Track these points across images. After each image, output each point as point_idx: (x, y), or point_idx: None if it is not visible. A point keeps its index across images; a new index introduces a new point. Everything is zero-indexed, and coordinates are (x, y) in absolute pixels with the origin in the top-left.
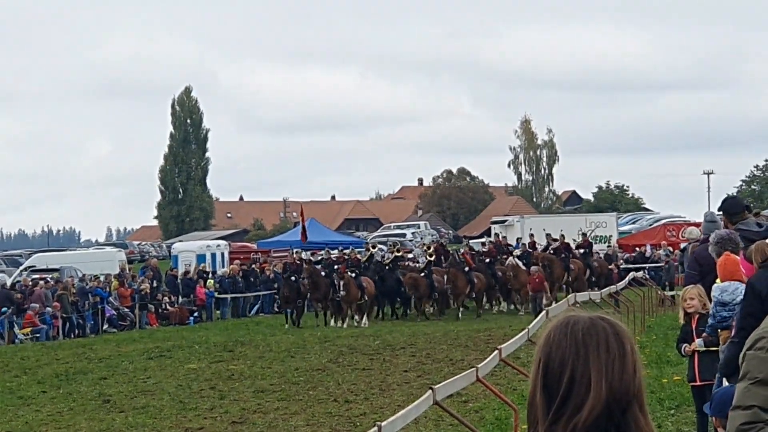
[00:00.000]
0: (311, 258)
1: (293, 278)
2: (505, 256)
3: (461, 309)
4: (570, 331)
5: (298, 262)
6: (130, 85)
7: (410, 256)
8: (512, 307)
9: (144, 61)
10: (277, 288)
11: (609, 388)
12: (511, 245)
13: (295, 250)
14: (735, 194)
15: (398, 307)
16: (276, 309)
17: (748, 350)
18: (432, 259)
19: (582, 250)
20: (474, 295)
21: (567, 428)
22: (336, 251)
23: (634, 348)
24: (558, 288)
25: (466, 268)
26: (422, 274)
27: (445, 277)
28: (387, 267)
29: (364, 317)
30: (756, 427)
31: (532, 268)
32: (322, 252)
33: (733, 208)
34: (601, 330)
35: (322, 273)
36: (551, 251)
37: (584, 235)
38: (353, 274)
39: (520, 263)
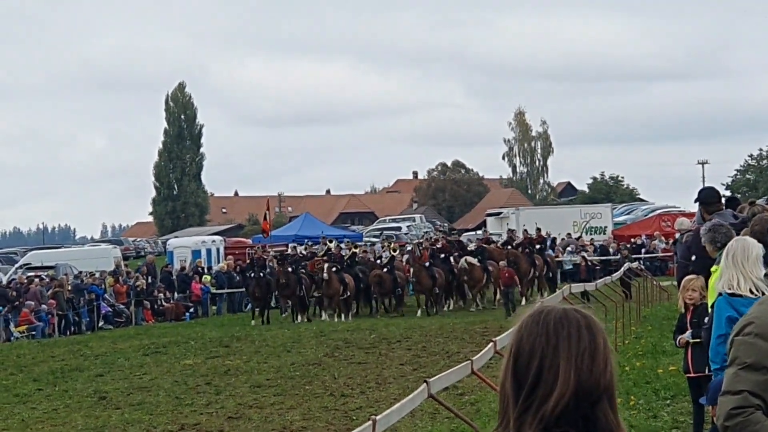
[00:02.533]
0: (289, 252)
1: (261, 274)
2: (456, 254)
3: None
4: (542, 319)
5: (264, 257)
6: (123, 80)
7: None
8: (462, 303)
9: (136, 54)
10: (246, 284)
11: (578, 380)
12: (464, 242)
13: (265, 245)
14: (711, 185)
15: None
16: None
17: (735, 336)
18: (395, 254)
19: (538, 246)
20: (437, 291)
21: (536, 418)
22: (302, 247)
23: (606, 343)
24: (525, 284)
25: (426, 264)
26: (385, 270)
27: (412, 271)
28: (345, 263)
29: (350, 314)
30: (746, 412)
31: (501, 263)
32: (317, 246)
33: (708, 198)
34: (574, 321)
35: (290, 269)
36: (515, 246)
37: (538, 230)
38: (334, 269)
39: (474, 261)
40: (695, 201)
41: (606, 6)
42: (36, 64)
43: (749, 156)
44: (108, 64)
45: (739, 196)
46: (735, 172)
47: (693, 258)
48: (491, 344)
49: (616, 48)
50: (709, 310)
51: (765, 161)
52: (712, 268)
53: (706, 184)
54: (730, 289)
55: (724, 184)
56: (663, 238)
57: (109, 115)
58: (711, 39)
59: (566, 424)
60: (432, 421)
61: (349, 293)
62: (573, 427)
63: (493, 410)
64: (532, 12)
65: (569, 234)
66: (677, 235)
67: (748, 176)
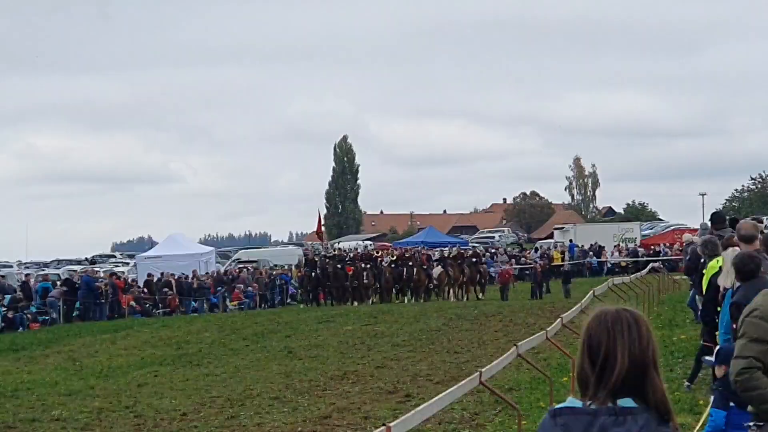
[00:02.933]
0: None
1: (313, 272)
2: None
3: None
4: (602, 319)
5: (316, 259)
6: (307, 133)
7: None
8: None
9: (316, 116)
10: (300, 279)
11: (631, 358)
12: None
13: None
14: (719, 210)
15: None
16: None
17: (745, 317)
18: (394, 258)
19: (474, 259)
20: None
21: (606, 386)
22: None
23: (648, 329)
24: (458, 287)
25: (424, 266)
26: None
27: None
28: (325, 263)
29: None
30: (751, 371)
31: (503, 266)
32: (437, 249)
33: (716, 219)
34: (624, 318)
35: (338, 266)
36: (452, 259)
37: (474, 247)
38: (368, 265)
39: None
40: (708, 220)
41: (642, 83)
42: (248, 122)
43: (735, 189)
44: (298, 122)
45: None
46: (725, 201)
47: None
48: (559, 319)
49: (647, 113)
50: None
51: (746, 193)
52: (710, 264)
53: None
54: (732, 286)
55: (717, 209)
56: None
57: (298, 157)
58: (713, 108)
59: (627, 388)
60: (518, 371)
61: (379, 285)
62: (631, 390)
63: (559, 365)
64: (590, 88)
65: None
66: (684, 244)
67: (734, 204)
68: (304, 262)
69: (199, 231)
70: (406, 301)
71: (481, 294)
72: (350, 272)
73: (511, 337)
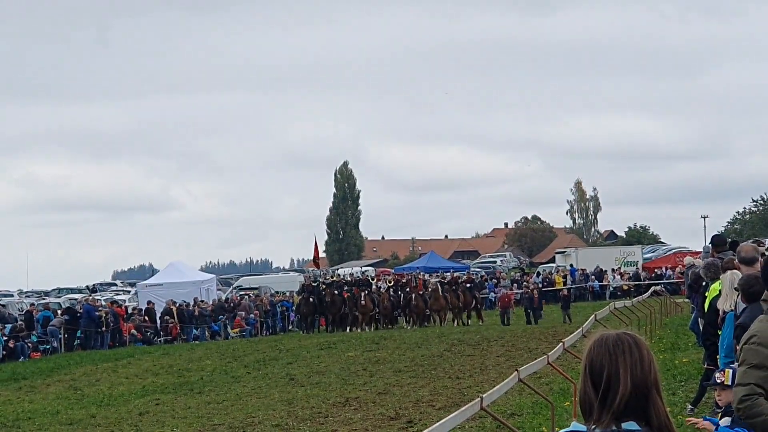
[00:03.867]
0: (348, 278)
1: (311, 298)
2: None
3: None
4: (603, 343)
5: (314, 284)
6: (308, 158)
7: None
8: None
9: (316, 141)
10: (297, 305)
11: (633, 381)
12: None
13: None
14: (720, 232)
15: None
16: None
17: (744, 345)
18: (390, 285)
19: (468, 285)
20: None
21: (611, 409)
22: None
23: (649, 353)
24: (446, 313)
25: (421, 292)
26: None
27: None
28: (321, 289)
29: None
30: (753, 398)
31: (503, 290)
32: (437, 274)
33: (717, 241)
34: (625, 341)
35: (335, 292)
36: (448, 284)
37: (472, 272)
38: (366, 292)
39: (440, 288)
40: (709, 243)
41: (640, 109)
42: (247, 148)
43: (736, 212)
44: (298, 148)
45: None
46: (727, 223)
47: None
48: (561, 344)
49: (648, 137)
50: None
51: (748, 215)
52: (712, 287)
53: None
54: (731, 308)
55: (719, 232)
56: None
57: (299, 183)
58: (713, 131)
59: (630, 411)
60: (520, 396)
61: (378, 310)
62: (635, 413)
63: (561, 389)
64: (590, 113)
65: (613, 268)
66: (686, 268)
67: (735, 226)
68: (300, 288)
69: (200, 258)
70: (407, 327)
71: (480, 321)
72: (347, 297)
73: (513, 362)
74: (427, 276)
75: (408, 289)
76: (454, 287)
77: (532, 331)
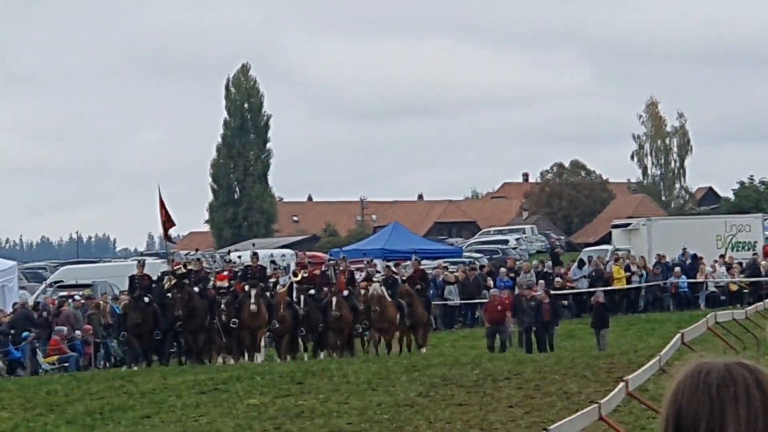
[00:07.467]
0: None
1: (145, 299)
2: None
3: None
4: (702, 382)
5: (160, 276)
6: (177, 61)
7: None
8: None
9: (193, 31)
10: (121, 314)
11: None
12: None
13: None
14: None
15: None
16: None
17: None
18: (296, 280)
19: (418, 286)
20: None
21: None
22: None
23: None
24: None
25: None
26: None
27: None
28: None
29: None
30: None
31: (492, 291)
32: (408, 262)
33: None
34: (740, 379)
35: (194, 289)
36: (404, 281)
37: (418, 261)
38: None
39: (385, 293)
40: None
41: None
42: (74, 45)
43: None
44: (161, 44)
45: None
46: None
47: None
48: (622, 384)
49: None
50: None
51: None
52: None
53: None
54: None
55: None
56: None
57: (161, 104)
58: None
59: None
60: None
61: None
62: None
63: None
64: None
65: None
66: None
67: None
68: (129, 282)
69: None
70: (323, 356)
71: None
72: (222, 300)
73: (537, 415)
74: (376, 264)
75: (324, 290)
76: (391, 290)
77: (568, 361)
